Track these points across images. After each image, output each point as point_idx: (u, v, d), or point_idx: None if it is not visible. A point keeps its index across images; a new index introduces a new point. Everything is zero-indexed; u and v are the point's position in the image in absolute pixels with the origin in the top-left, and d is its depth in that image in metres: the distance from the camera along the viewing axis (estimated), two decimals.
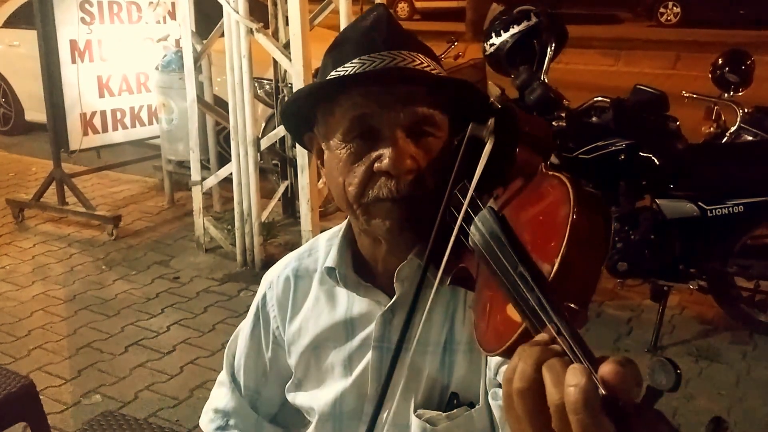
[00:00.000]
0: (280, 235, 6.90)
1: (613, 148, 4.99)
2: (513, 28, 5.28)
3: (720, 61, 5.57)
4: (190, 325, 5.46)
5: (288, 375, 1.78)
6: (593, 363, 0.85)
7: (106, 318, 5.56)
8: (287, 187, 7.22)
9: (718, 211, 4.76)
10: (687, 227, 4.86)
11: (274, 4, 6.73)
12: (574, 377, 0.83)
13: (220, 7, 6.01)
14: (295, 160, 6.32)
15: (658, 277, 5.05)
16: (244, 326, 1.87)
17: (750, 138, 5.36)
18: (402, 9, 25.61)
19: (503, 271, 1.03)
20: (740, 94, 5.51)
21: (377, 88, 1.42)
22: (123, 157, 8.47)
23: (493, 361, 1.44)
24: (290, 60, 5.75)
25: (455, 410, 1.51)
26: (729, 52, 5.70)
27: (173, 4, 7.75)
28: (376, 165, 1.42)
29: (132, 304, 5.80)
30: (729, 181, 4.87)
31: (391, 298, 1.57)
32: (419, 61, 1.44)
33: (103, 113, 7.68)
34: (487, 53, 5.54)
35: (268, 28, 6.61)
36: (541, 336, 0.94)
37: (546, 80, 5.18)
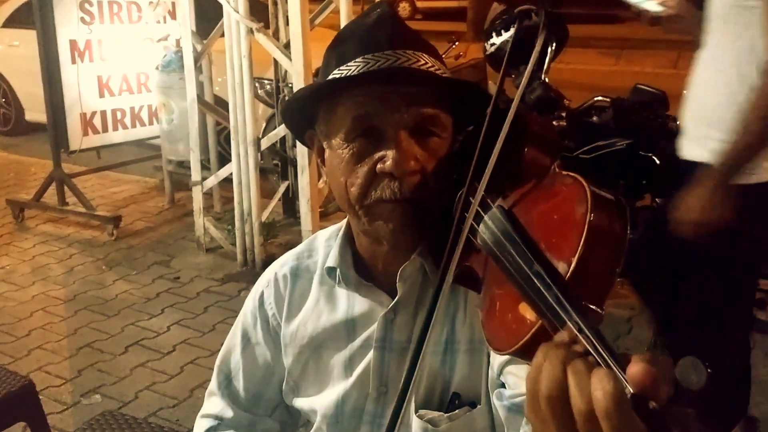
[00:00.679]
0: (281, 235, 6.90)
1: (614, 147, 4.98)
2: (513, 27, 5.28)
3: None
4: (191, 325, 5.46)
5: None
6: (618, 362, 0.84)
7: (106, 318, 5.56)
8: (287, 187, 7.21)
9: None
10: None
11: (275, 4, 6.73)
12: (601, 382, 0.82)
13: (221, 6, 6.01)
14: (296, 160, 6.32)
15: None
16: (236, 331, 1.85)
17: None
18: (403, 8, 25.58)
19: (517, 269, 1.02)
20: None
21: (381, 87, 1.41)
22: (123, 157, 8.46)
23: (496, 361, 1.43)
24: (290, 60, 5.75)
25: (457, 410, 1.50)
26: None
27: (173, 3, 7.74)
28: (378, 166, 1.41)
29: (132, 304, 5.80)
30: None
31: (393, 298, 1.56)
32: (423, 61, 1.43)
33: (103, 113, 7.67)
34: (488, 53, 5.54)
35: (269, 27, 6.61)
36: (561, 335, 0.92)
37: (546, 80, 5.17)
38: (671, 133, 5.07)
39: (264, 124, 7.80)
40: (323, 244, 1.73)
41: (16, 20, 10.53)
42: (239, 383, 1.83)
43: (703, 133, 3.20)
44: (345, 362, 1.65)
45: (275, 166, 7.35)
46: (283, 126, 6.31)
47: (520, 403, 1.33)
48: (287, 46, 6.09)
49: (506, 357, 1.27)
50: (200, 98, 6.76)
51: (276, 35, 6.64)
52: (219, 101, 7.31)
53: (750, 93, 2.86)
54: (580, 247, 0.96)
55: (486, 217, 1.15)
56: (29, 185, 8.52)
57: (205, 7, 6.77)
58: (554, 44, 5.23)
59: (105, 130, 7.72)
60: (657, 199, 4.95)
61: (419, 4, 26.01)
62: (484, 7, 11.15)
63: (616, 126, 5.02)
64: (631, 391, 0.80)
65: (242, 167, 6.17)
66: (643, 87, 5.26)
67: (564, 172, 1.16)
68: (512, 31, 5.28)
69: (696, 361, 0.78)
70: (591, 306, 0.94)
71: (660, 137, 5.04)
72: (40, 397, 3.48)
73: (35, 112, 10.13)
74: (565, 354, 0.89)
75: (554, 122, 5.02)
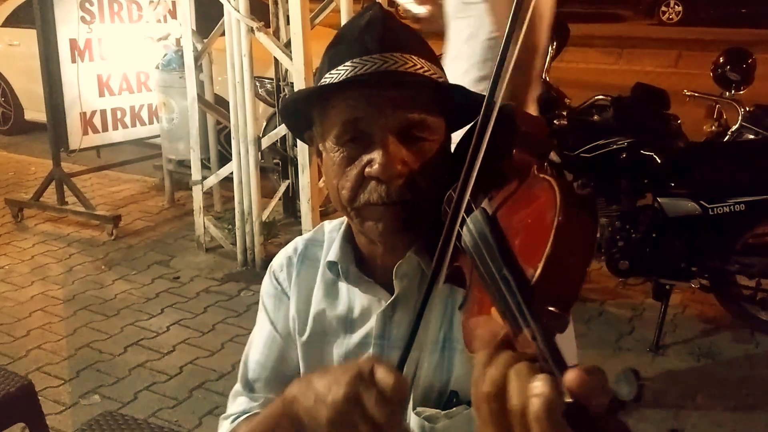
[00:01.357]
0: (281, 234, 6.89)
1: (615, 146, 4.98)
2: None
3: (721, 60, 5.55)
4: (190, 325, 5.45)
5: None
6: (563, 370, 0.84)
7: (105, 318, 5.55)
8: (288, 187, 7.20)
9: (720, 210, 4.74)
10: (688, 226, 4.84)
11: (275, 3, 6.72)
12: (538, 386, 0.84)
13: (221, 5, 6.00)
14: (296, 159, 6.31)
15: (660, 275, 5.03)
16: (259, 325, 1.81)
17: (751, 136, 5.35)
18: (401, 9, 25.54)
19: (489, 273, 1.03)
20: (741, 92, 5.50)
21: (368, 91, 1.42)
22: (123, 156, 8.46)
23: None
24: (291, 59, 5.74)
25: (454, 408, 1.50)
26: (730, 50, 5.68)
27: (174, 2, 7.74)
28: (366, 170, 1.43)
29: (131, 304, 5.79)
30: (730, 180, 4.86)
31: (392, 294, 1.57)
32: (412, 64, 1.43)
33: (103, 112, 7.66)
34: None
35: (269, 26, 6.60)
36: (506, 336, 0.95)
37: (547, 79, 5.17)
38: (673, 131, 5.07)
39: (264, 123, 7.79)
40: (327, 236, 1.74)
41: (16, 19, 10.51)
42: (264, 382, 1.78)
43: None
44: (343, 358, 1.65)
45: (276, 165, 7.35)
46: (283, 125, 6.30)
47: None
48: (288, 45, 6.08)
49: None
50: (200, 97, 6.75)
51: (276, 34, 6.63)
52: (219, 100, 7.30)
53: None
54: (546, 254, 0.96)
55: (468, 220, 1.15)
56: (28, 185, 8.52)
57: (205, 6, 6.75)
58: (555, 43, 5.24)
59: (105, 129, 7.70)
60: (658, 199, 4.94)
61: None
62: None
63: (617, 125, 5.02)
64: (568, 400, 0.82)
65: (242, 166, 6.16)
66: (644, 86, 5.26)
67: (541, 175, 1.15)
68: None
69: (629, 373, 0.79)
70: (554, 310, 0.95)
71: (661, 136, 5.04)
72: (39, 397, 3.47)
73: (35, 111, 10.12)
74: (511, 357, 0.92)
75: (555, 121, 5.01)
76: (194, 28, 6.61)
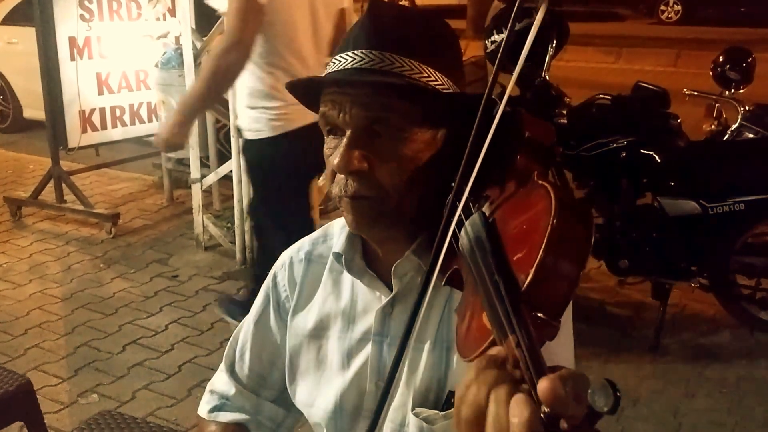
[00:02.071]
0: None
1: (615, 145, 4.98)
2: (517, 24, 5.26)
3: (721, 59, 5.54)
4: (189, 324, 5.44)
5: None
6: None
7: (103, 316, 5.54)
8: None
9: (720, 209, 4.74)
10: (688, 225, 4.84)
11: None
12: (517, 408, 0.85)
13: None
14: None
15: (660, 274, 5.03)
16: (252, 310, 1.87)
17: (751, 135, 5.34)
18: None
19: (481, 277, 1.02)
20: (741, 91, 5.49)
21: (335, 88, 1.46)
22: (122, 154, 8.45)
23: None
24: None
25: (452, 409, 1.49)
26: (730, 49, 5.67)
27: (173, 1, 7.72)
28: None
29: (130, 302, 5.78)
30: (730, 179, 4.86)
31: (392, 292, 1.58)
32: (389, 62, 1.43)
33: (102, 110, 7.64)
34: (489, 50, 5.54)
35: None
36: (498, 350, 0.95)
37: (547, 77, 5.16)
38: (673, 130, 5.07)
39: None
40: (338, 231, 1.76)
41: (15, 17, 10.50)
42: (245, 362, 1.87)
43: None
44: (343, 354, 1.66)
45: None
46: None
47: None
48: None
49: None
50: None
51: None
52: None
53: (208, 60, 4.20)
54: (537, 260, 0.96)
55: (466, 223, 1.14)
56: (27, 183, 8.50)
57: (204, 4, 6.74)
58: (555, 41, 5.23)
59: (104, 127, 7.69)
60: (658, 198, 4.93)
61: (419, 2, 26.02)
62: (484, 5, 11.15)
63: (618, 124, 5.01)
64: (546, 410, 0.82)
65: (242, 165, 6.15)
66: (644, 84, 5.26)
67: (540, 182, 1.15)
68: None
69: (605, 385, 0.79)
70: (542, 317, 0.95)
71: (661, 135, 5.03)
72: (37, 396, 3.46)
73: (33, 109, 10.11)
74: (494, 378, 0.92)
75: (555, 120, 5.01)
76: (194, 26, 6.60)
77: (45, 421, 3.47)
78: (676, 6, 21.26)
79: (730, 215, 4.74)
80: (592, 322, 5.32)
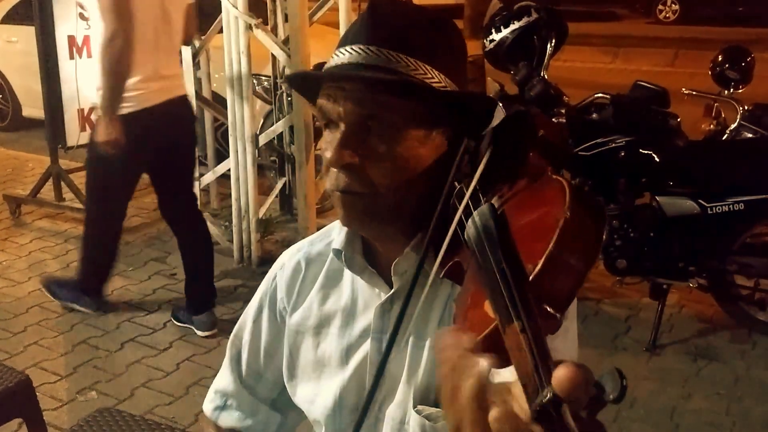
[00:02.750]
0: (277, 231, 6.89)
1: (613, 144, 4.98)
2: (513, 24, 5.27)
3: (720, 58, 5.55)
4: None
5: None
6: (548, 366, 0.84)
7: (102, 314, 5.54)
8: (285, 184, 7.20)
9: (718, 209, 4.75)
10: (687, 225, 4.85)
11: (273, 0, 6.71)
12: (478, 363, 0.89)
13: (219, 2, 5.99)
14: (293, 156, 6.31)
15: (658, 275, 5.04)
16: (251, 307, 1.87)
17: (750, 135, 5.35)
18: None
19: (488, 266, 1.02)
20: (740, 91, 5.50)
21: (332, 83, 1.46)
22: None
23: None
24: (289, 56, 5.74)
25: None
26: (729, 49, 5.68)
27: None
28: None
29: (128, 300, 5.78)
30: (729, 179, 4.86)
31: (392, 288, 1.57)
32: (385, 58, 1.43)
33: None
34: (487, 49, 5.53)
35: (267, 23, 6.60)
36: (468, 341, 0.97)
37: (546, 76, 5.17)
38: (672, 130, 5.07)
39: (261, 121, 7.77)
40: (338, 228, 1.73)
41: (14, 16, 10.49)
42: (243, 360, 1.88)
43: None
44: (342, 351, 1.66)
45: (272, 162, 7.33)
46: (281, 122, 6.31)
47: None
48: (286, 42, 6.08)
49: None
50: (198, 94, 6.75)
51: (274, 31, 6.63)
52: (217, 97, 7.30)
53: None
54: (547, 251, 0.97)
55: (475, 213, 1.15)
56: (26, 181, 8.50)
57: (203, 2, 6.74)
58: (554, 40, 5.23)
59: None
60: (657, 197, 4.94)
61: (416, 1, 26.01)
62: (482, 4, 11.14)
63: (616, 123, 5.01)
64: (552, 393, 0.81)
65: (240, 164, 6.16)
66: (643, 84, 5.26)
67: (555, 176, 1.15)
68: (512, 27, 5.27)
69: (614, 373, 0.80)
70: (549, 309, 0.95)
71: (660, 135, 5.03)
72: (36, 393, 3.46)
73: (32, 107, 10.08)
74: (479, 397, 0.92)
75: (554, 119, 5.01)
76: None
77: (44, 418, 3.48)
78: (673, 5, 21.26)
79: (728, 215, 4.75)
80: (589, 321, 5.33)
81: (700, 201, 4.78)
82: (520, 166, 1.27)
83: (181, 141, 5.22)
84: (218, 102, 7.05)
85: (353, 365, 1.63)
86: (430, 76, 1.43)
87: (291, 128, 6.21)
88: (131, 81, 4.70)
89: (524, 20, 5.26)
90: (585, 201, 1.03)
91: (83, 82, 7.30)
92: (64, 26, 7.15)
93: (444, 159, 1.45)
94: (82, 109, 7.39)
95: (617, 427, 4.25)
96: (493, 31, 5.45)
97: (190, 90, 6.47)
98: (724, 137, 5.38)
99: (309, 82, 1.55)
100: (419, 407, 1.51)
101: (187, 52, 6.46)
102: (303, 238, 1.85)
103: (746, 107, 5.40)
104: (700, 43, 15.20)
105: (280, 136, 6.86)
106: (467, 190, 1.20)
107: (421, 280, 1.52)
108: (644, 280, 5.16)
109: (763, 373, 4.77)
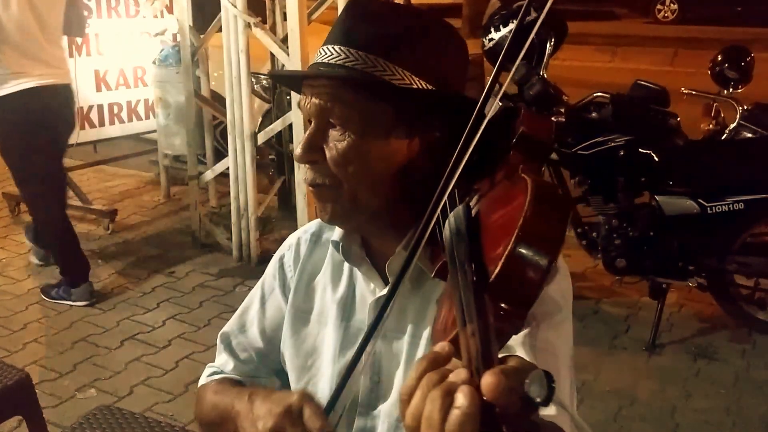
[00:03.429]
0: (276, 230, 6.89)
1: (613, 144, 4.97)
2: (512, 23, 5.27)
3: (719, 58, 5.54)
4: (186, 320, 5.45)
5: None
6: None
7: (101, 312, 5.54)
8: (283, 182, 7.20)
9: (718, 208, 4.74)
10: (686, 224, 4.85)
11: None
12: (458, 399, 0.86)
13: (218, 1, 5.99)
14: (292, 155, 6.29)
15: (657, 274, 5.03)
16: (258, 290, 1.89)
17: (749, 135, 5.35)
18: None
19: (454, 268, 1.03)
20: (739, 90, 5.49)
21: (306, 80, 1.53)
22: (119, 151, 8.44)
23: None
24: (288, 55, 5.73)
25: None
26: (728, 48, 5.68)
27: None
28: None
29: (127, 298, 5.78)
30: (729, 178, 4.86)
31: (387, 284, 1.58)
32: (353, 58, 1.45)
33: (99, 107, 7.63)
34: (486, 48, 5.54)
35: (266, 22, 6.59)
36: (441, 347, 0.97)
37: (545, 75, 5.16)
38: (671, 129, 5.06)
39: (260, 119, 7.77)
40: None
41: None
42: (248, 338, 1.88)
43: None
44: (336, 344, 1.68)
45: (271, 161, 7.35)
46: (279, 121, 6.30)
47: None
48: (284, 40, 6.07)
49: None
50: (197, 93, 6.75)
51: (273, 30, 6.63)
52: (216, 96, 7.29)
53: None
54: (506, 252, 0.97)
55: (450, 214, 1.15)
56: None
57: (202, 1, 6.75)
58: (553, 40, 5.23)
59: (101, 124, 7.67)
60: (656, 197, 4.94)
61: (414, 0, 26.00)
62: (480, 3, 11.14)
63: (616, 122, 5.01)
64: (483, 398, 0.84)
65: (239, 162, 6.15)
66: (643, 83, 5.25)
67: (523, 175, 1.16)
68: (511, 26, 5.27)
69: (541, 376, 0.81)
70: (507, 307, 0.96)
71: (660, 134, 5.03)
72: (36, 390, 3.46)
73: None
74: (433, 382, 0.93)
75: (553, 118, 5.00)
76: (191, 24, 6.60)
77: (43, 416, 3.48)
78: (672, 5, 21.25)
79: (728, 215, 4.75)
80: (587, 321, 5.33)
81: (699, 200, 4.78)
82: (500, 161, 1.30)
83: (60, 127, 5.51)
84: (217, 100, 7.05)
85: (344, 361, 1.64)
86: (397, 76, 1.44)
87: (290, 126, 6.20)
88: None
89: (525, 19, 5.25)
90: (547, 199, 1.04)
91: (82, 81, 7.30)
92: None
93: (411, 159, 1.48)
94: (81, 108, 7.36)
95: (617, 427, 4.26)
96: (492, 30, 5.45)
97: (189, 88, 6.49)
98: (724, 137, 5.38)
99: (295, 81, 1.63)
100: None
101: (186, 50, 6.48)
102: None
103: (746, 107, 5.39)
104: (699, 43, 15.21)
105: (279, 134, 6.86)
106: (445, 192, 1.20)
107: (419, 278, 1.53)
108: (644, 280, 5.15)
109: (763, 373, 4.77)
